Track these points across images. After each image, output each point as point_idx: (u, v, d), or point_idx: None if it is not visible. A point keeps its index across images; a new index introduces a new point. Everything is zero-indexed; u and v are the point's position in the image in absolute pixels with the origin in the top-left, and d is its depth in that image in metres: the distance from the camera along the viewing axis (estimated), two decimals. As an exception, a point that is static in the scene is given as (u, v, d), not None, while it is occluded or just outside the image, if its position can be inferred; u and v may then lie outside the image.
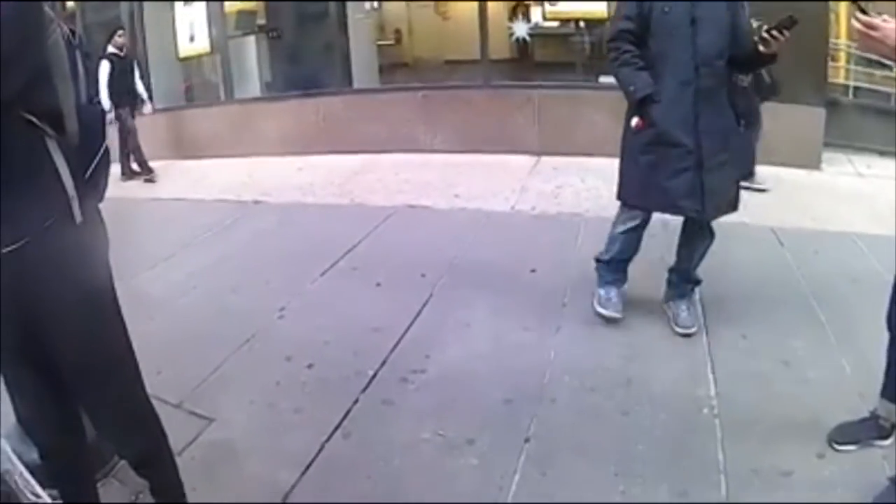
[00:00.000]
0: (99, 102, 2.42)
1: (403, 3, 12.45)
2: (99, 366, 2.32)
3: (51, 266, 2.07)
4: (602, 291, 4.45)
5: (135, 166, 9.88)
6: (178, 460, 2.82)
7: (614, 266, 4.43)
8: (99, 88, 9.31)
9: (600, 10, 8.98)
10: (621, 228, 4.30)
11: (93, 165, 2.20)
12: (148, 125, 10.28)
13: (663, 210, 4.16)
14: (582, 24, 9.91)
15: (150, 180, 9.76)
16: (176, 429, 3.12)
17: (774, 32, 3.54)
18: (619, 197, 4.28)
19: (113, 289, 2.37)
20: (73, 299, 2.16)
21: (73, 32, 2.19)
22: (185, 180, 9.44)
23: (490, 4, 9.42)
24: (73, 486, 2.67)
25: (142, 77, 10.20)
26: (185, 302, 5.15)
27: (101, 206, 2.34)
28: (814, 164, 7.58)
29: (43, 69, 1.94)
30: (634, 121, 4.00)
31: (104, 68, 9.53)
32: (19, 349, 2.22)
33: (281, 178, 8.81)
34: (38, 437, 2.54)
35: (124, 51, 9.88)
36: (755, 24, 3.64)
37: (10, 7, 1.72)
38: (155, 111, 10.33)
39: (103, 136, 2.29)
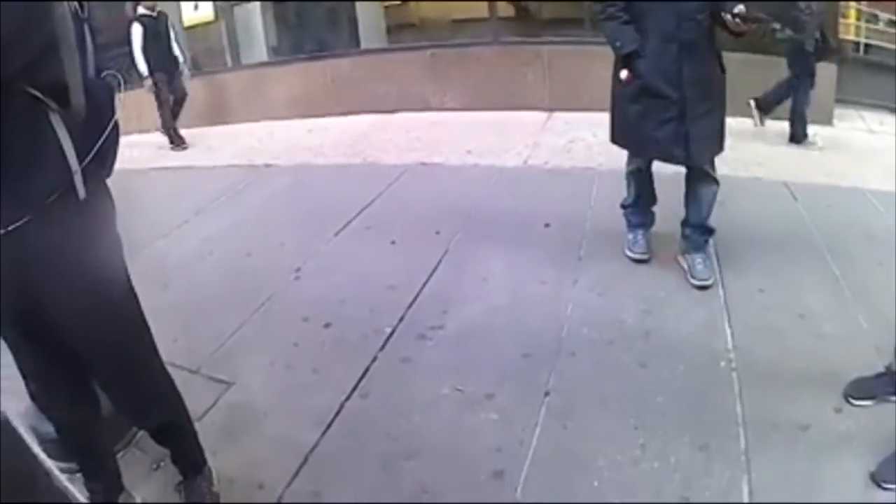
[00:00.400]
0: (115, 76, 2.33)
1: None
2: (111, 342, 2.33)
3: (55, 242, 2.06)
4: (630, 235, 4.61)
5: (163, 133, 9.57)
6: (198, 425, 2.86)
7: (638, 210, 4.58)
8: (133, 54, 9.09)
9: None
10: (628, 169, 4.51)
11: (101, 141, 2.14)
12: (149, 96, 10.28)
13: (651, 156, 4.34)
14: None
15: (183, 147, 9.47)
16: (195, 394, 3.20)
17: (739, 21, 3.68)
18: (612, 140, 4.41)
19: (123, 263, 2.37)
20: (80, 276, 2.15)
21: (81, 5, 2.15)
22: (194, 148, 9.39)
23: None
24: (92, 459, 2.70)
25: (176, 39, 9.65)
26: (200, 268, 5.15)
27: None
28: (826, 119, 7.54)
29: (48, 44, 1.90)
30: (623, 73, 4.12)
31: (136, 31, 9.13)
32: (25, 327, 2.23)
33: (291, 142, 8.79)
34: (51, 412, 2.56)
35: (156, 11, 9.37)
36: (738, 8, 3.65)
37: None
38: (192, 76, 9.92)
39: (112, 111, 2.23)
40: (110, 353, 2.35)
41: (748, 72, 6.97)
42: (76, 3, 2.09)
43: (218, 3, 11.05)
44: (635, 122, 4.14)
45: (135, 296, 2.40)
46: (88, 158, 2.08)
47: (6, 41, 1.69)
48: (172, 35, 9.53)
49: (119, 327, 2.34)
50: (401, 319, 4.07)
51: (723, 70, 4.09)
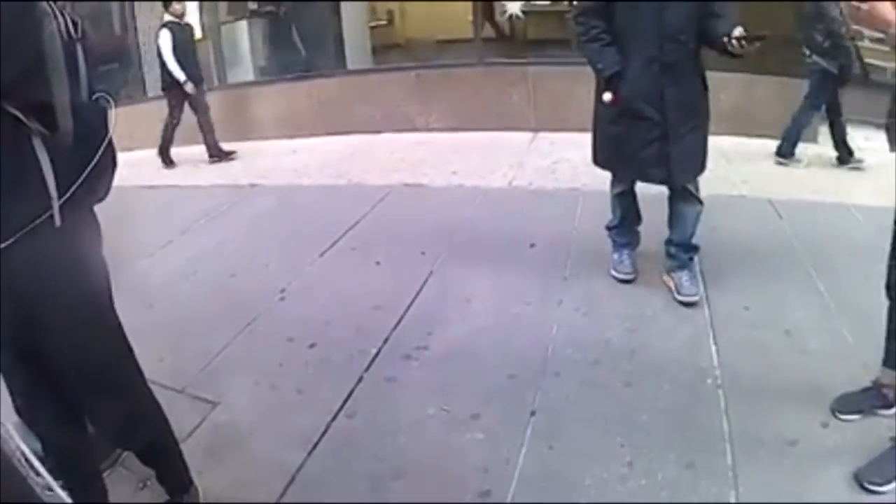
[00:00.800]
0: (106, 99, 2.28)
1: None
2: (94, 364, 2.32)
3: (36, 269, 2.03)
4: (616, 255, 4.60)
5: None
6: (183, 445, 2.85)
7: (624, 231, 4.57)
8: (164, 60, 8.90)
9: None
10: (613, 192, 4.50)
11: (90, 166, 2.10)
12: (141, 112, 10.20)
13: (633, 178, 4.34)
14: (575, 1, 9.86)
15: (230, 158, 9.24)
16: (180, 414, 3.21)
17: (744, 42, 3.61)
18: (595, 161, 4.42)
19: (108, 288, 2.36)
20: (62, 299, 2.14)
21: (75, 25, 2.13)
22: (179, 166, 9.35)
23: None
24: (79, 477, 2.66)
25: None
26: (185, 288, 5.13)
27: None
28: (811, 136, 7.57)
29: (35, 64, 1.87)
30: (606, 95, 4.07)
31: (165, 38, 8.88)
32: (14, 345, 2.21)
33: (276, 161, 8.80)
34: (39, 429, 2.53)
35: (184, 18, 9.17)
36: (737, 31, 3.64)
37: None
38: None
39: (105, 134, 2.20)
40: (93, 375, 2.34)
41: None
42: (68, 23, 2.07)
43: (206, 21, 10.99)
44: (617, 143, 4.14)
45: (117, 319, 2.39)
46: (77, 185, 2.04)
47: None
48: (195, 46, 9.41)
49: (101, 350, 2.33)
50: (386, 340, 4.05)
51: (706, 88, 4.09)
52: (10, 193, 1.92)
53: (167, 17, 9.03)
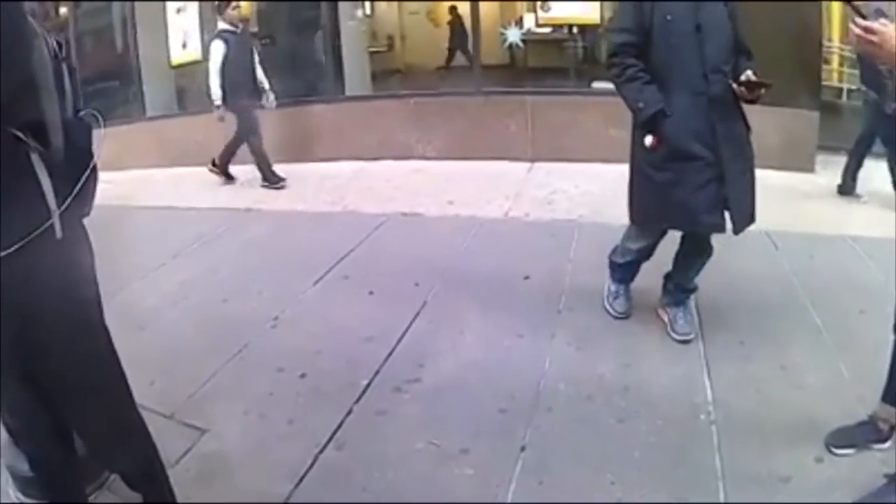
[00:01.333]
0: (93, 116, 2.26)
1: (395, 10, 12.43)
2: (85, 384, 2.32)
3: (33, 282, 2.04)
4: (613, 287, 4.49)
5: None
6: (171, 472, 2.81)
7: (626, 267, 4.41)
8: (209, 75, 8.21)
9: (593, 14, 8.97)
10: (635, 246, 4.24)
11: (81, 180, 2.14)
12: (138, 133, 10.17)
13: (685, 228, 4.01)
14: (575, 29, 9.89)
15: (279, 186, 8.57)
16: (169, 440, 3.16)
17: (750, 90, 3.60)
18: (633, 219, 4.14)
19: (99, 304, 2.37)
20: (56, 316, 2.14)
21: (59, 45, 2.15)
22: (174, 188, 9.33)
23: (482, 9, 9.37)
24: (64, 497, 2.64)
25: (261, 62, 8.68)
26: (176, 312, 5.09)
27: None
28: (808, 167, 7.57)
29: (27, 84, 1.91)
30: (648, 139, 3.78)
31: (217, 50, 8.11)
32: (8, 361, 2.17)
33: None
34: (27, 446, 2.52)
35: (241, 27, 8.38)
36: (745, 75, 3.61)
37: None
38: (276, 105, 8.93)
39: (90, 152, 2.23)
40: (84, 391, 2.34)
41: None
42: (54, 43, 2.09)
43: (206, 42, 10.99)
44: (665, 190, 3.80)
45: (109, 337, 2.40)
46: (71, 197, 2.09)
47: None
48: (256, 58, 8.65)
49: (93, 366, 2.34)
50: (377, 372, 4.00)
51: (748, 127, 3.88)
52: (11, 207, 1.94)
53: (221, 26, 8.31)
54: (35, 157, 2.00)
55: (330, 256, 5.83)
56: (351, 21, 10.58)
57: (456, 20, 12.02)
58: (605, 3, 8.77)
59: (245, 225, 7.19)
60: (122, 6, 11.29)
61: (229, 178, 9.04)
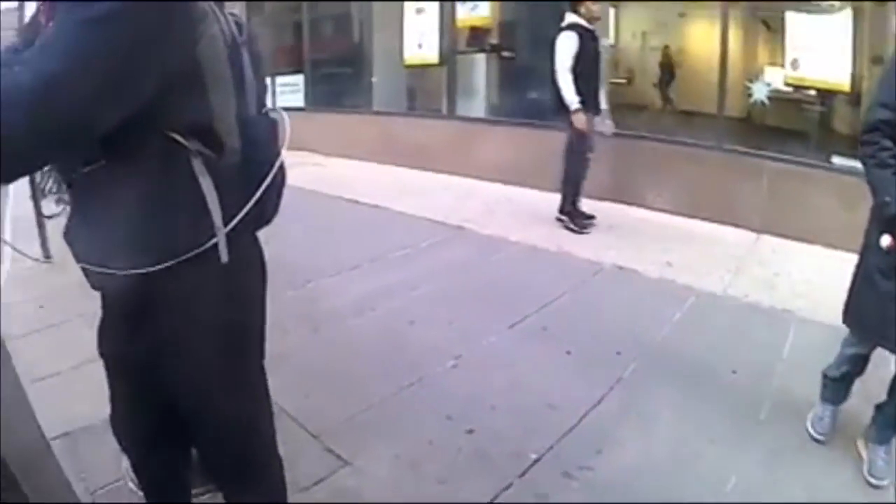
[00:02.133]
0: (278, 111, 2.02)
1: (637, 43, 11.84)
2: (227, 426, 2.06)
3: (182, 303, 1.83)
4: (819, 409, 3.81)
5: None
6: (300, 495, 2.71)
7: (839, 385, 3.75)
8: (556, 75, 7.02)
9: (844, 81, 8.12)
10: (850, 351, 3.61)
11: (258, 192, 1.89)
12: (363, 125, 10.20)
13: None
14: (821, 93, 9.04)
15: (580, 228, 7.48)
16: (306, 462, 3.12)
17: None
18: (846, 322, 3.49)
19: (260, 333, 2.09)
20: (205, 342, 1.89)
21: (239, 27, 1.84)
22: (390, 187, 9.28)
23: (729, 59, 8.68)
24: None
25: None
26: (357, 322, 4.90)
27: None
28: None
29: (190, 76, 1.65)
30: (885, 240, 3.11)
31: (570, 43, 6.91)
32: (134, 368, 2.02)
33: (489, 207, 8.51)
34: (132, 449, 2.37)
35: (594, 24, 7.11)
36: None
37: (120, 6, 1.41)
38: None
39: (274, 155, 1.97)
40: (222, 438, 2.09)
41: None
42: (233, 25, 1.79)
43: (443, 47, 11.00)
44: (889, 305, 3.14)
45: (265, 378, 2.14)
46: (243, 213, 1.83)
47: (120, 76, 1.43)
48: (602, 64, 7.35)
49: (238, 412, 2.06)
50: (550, 448, 3.56)
51: None
52: (164, 222, 1.74)
53: (571, 19, 7.06)
54: (197, 164, 1.73)
55: (532, 299, 5.42)
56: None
57: (666, 60, 11.37)
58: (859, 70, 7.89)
59: (452, 243, 6.97)
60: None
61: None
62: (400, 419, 3.77)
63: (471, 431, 3.68)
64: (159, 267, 1.72)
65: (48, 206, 6.48)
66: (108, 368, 2.14)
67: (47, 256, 5.99)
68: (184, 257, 1.74)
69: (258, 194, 1.87)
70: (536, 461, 3.45)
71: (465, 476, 3.32)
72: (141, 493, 2.54)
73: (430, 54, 11.04)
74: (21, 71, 1.34)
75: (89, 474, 3.20)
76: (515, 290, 5.66)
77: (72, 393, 3.82)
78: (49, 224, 6.24)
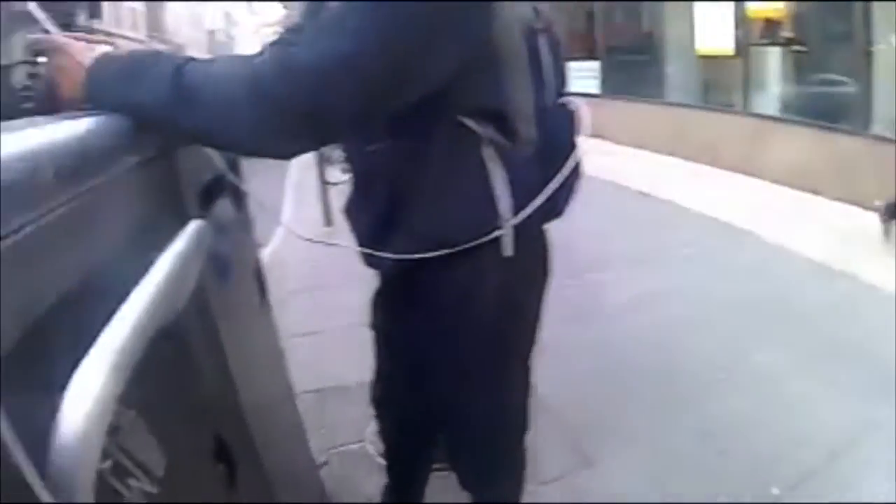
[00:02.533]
0: (573, 102, 2.07)
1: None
2: (473, 414, 2.07)
3: (456, 294, 1.82)
4: None
5: None
6: (536, 488, 2.76)
7: None
8: None
9: None
10: None
11: (554, 182, 1.86)
12: (654, 115, 10.03)
13: None
14: None
15: None
16: (550, 457, 3.25)
17: None
18: None
19: (532, 328, 2.12)
20: (468, 337, 1.88)
21: (536, 11, 1.87)
22: (678, 181, 9.17)
23: None
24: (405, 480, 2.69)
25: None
26: (623, 324, 4.92)
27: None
28: None
29: (485, 59, 1.62)
30: None
31: None
32: (394, 350, 2.21)
33: (781, 214, 7.98)
34: (384, 424, 2.58)
35: None
36: None
37: None
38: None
39: (571, 148, 1.96)
40: (468, 422, 2.11)
41: None
42: (530, 9, 1.85)
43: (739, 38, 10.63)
44: None
45: (528, 366, 2.16)
46: (530, 209, 1.78)
47: (417, 60, 1.44)
48: None
49: (489, 400, 2.04)
50: (793, 487, 3.24)
51: None
52: (445, 207, 1.74)
53: None
54: (488, 151, 1.70)
55: (823, 324, 4.91)
56: (881, 45, 8.44)
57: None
58: None
59: (738, 248, 6.70)
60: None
61: None
62: (653, 428, 3.76)
63: (723, 453, 3.50)
64: (437, 254, 1.71)
65: (333, 173, 6.72)
66: (376, 341, 2.26)
67: (329, 223, 6.38)
68: (464, 246, 1.72)
69: (550, 190, 1.83)
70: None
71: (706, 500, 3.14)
72: (379, 459, 2.78)
73: (724, 45, 10.76)
74: (298, 51, 1.34)
75: (330, 431, 3.55)
76: (808, 312, 5.16)
77: (330, 352, 4.23)
78: (333, 190, 6.63)
